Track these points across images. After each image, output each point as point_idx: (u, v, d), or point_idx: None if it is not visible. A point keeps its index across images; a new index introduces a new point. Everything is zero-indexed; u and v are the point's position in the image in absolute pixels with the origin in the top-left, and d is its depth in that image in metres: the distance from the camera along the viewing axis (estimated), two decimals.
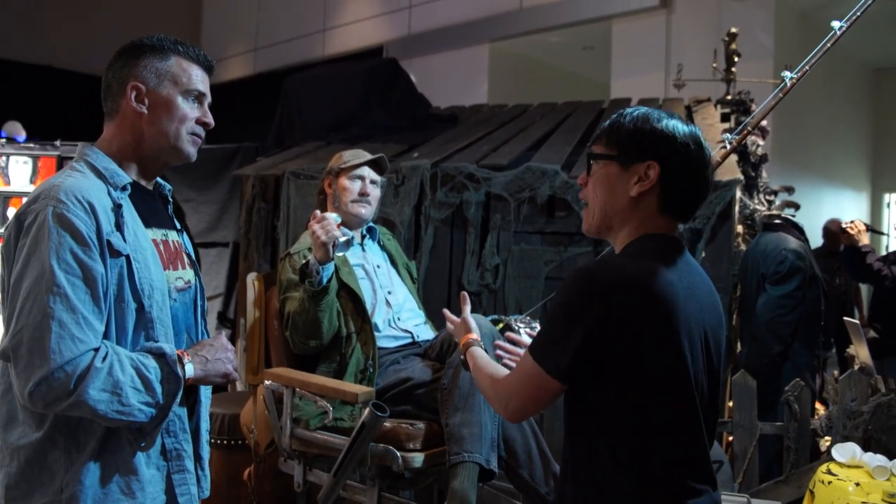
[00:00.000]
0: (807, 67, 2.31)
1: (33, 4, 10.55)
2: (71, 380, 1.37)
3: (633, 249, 1.46)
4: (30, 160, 6.64)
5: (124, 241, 1.50)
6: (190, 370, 1.54)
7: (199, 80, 1.65)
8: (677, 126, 1.47)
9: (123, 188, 1.56)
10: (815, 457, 3.02)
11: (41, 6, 10.57)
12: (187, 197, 5.23)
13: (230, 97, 10.32)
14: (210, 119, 1.67)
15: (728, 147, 2.40)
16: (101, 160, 1.57)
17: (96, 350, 1.42)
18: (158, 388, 1.47)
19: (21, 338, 1.39)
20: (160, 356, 1.50)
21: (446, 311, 2.18)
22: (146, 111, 1.59)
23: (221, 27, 12.05)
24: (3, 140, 6.87)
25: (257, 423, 2.63)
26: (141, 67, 1.59)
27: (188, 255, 1.74)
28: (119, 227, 1.51)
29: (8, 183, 6.61)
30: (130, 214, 1.55)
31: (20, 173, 6.61)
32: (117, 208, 1.52)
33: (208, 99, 1.68)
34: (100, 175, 1.55)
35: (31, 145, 6.76)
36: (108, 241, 1.47)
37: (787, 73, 2.33)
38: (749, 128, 2.48)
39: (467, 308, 2.07)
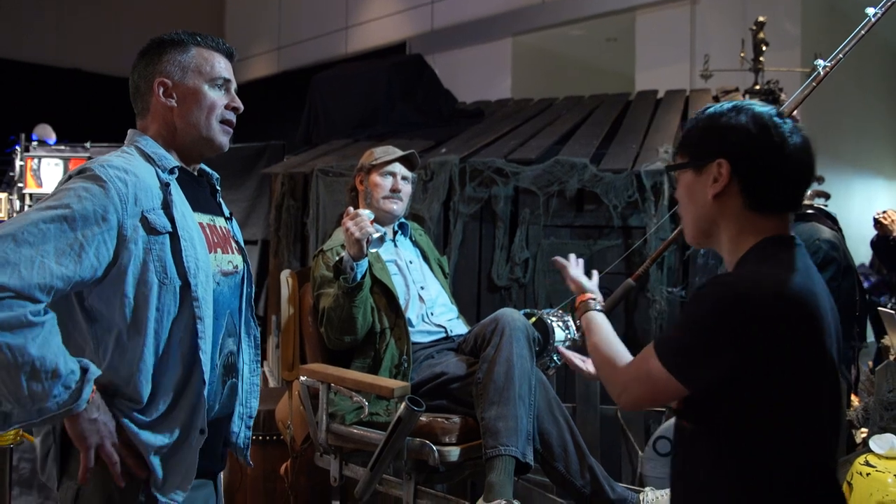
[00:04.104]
0: (840, 56, 2.29)
1: (62, 10, 10.69)
2: None
3: (756, 257, 1.37)
4: (61, 162, 6.76)
5: (170, 219, 1.51)
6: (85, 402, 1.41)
7: (223, 67, 1.67)
8: (741, 114, 1.40)
9: (171, 171, 1.58)
10: (852, 449, 2.99)
11: (70, 12, 10.70)
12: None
13: (255, 96, 10.38)
14: (239, 103, 1.69)
15: None
16: (150, 145, 1.60)
17: (33, 302, 1.34)
18: (57, 388, 1.37)
19: None
20: (83, 369, 1.42)
21: (558, 259, 2.00)
22: (176, 104, 1.61)
23: (245, 27, 12.13)
24: (35, 143, 6.99)
25: (293, 419, 2.66)
26: (165, 63, 1.62)
27: (237, 242, 1.76)
28: (166, 205, 1.52)
29: (40, 185, 6.73)
30: (178, 196, 1.57)
31: (52, 175, 6.72)
32: (165, 187, 1.54)
33: (234, 84, 1.70)
34: (148, 158, 1.58)
35: (62, 148, 6.88)
36: (146, 217, 1.48)
37: (819, 62, 2.31)
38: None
39: (573, 268, 1.95)
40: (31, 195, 6.74)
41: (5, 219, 7.30)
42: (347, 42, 10.26)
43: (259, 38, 11.69)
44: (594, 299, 1.81)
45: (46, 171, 6.72)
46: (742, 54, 4.57)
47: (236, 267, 1.70)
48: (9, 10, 10.23)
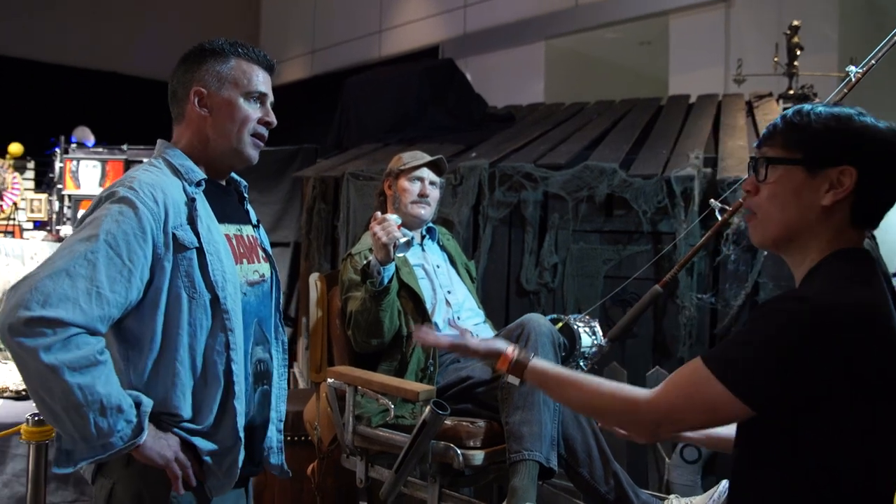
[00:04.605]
0: (873, 62, 2.27)
1: (100, 15, 10.90)
2: (48, 338, 1.34)
3: (832, 271, 1.30)
4: (98, 164, 6.90)
5: (196, 234, 1.54)
6: (146, 434, 1.48)
7: (260, 81, 1.68)
8: (875, 124, 1.31)
9: (198, 184, 1.61)
10: None
11: (107, 16, 10.91)
12: (249, 198, 5.35)
13: (289, 99, 10.47)
14: (272, 118, 1.70)
15: None
16: (178, 157, 1.63)
17: (95, 334, 1.40)
18: (120, 423, 1.43)
19: (33, 276, 1.39)
20: (137, 403, 1.47)
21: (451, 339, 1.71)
22: (209, 114, 1.64)
23: (280, 30, 12.26)
24: (74, 145, 7.14)
25: (320, 420, 2.69)
26: (203, 72, 1.64)
27: (264, 249, 1.78)
28: (192, 220, 1.55)
29: (78, 186, 6.88)
30: (204, 209, 1.60)
31: (90, 177, 6.87)
32: (191, 202, 1.57)
33: (270, 98, 1.71)
34: (176, 171, 1.60)
35: (100, 150, 7.02)
36: (174, 234, 1.51)
37: (851, 68, 2.29)
38: None
39: (470, 339, 1.69)
40: (69, 196, 6.89)
41: (45, 219, 7.47)
42: (381, 46, 10.32)
43: (293, 42, 11.81)
44: (517, 350, 1.57)
45: (85, 172, 6.87)
46: (776, 59, 4.51)
47: (263, 276, 1.73)
48: (49, 15, 10.46)
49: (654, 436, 1.40)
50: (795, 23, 4.47)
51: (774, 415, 1.27)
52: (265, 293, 1.74)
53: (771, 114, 4.24)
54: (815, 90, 4.50)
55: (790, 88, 4.44)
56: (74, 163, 6.92)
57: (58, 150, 7.03)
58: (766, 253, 3.18)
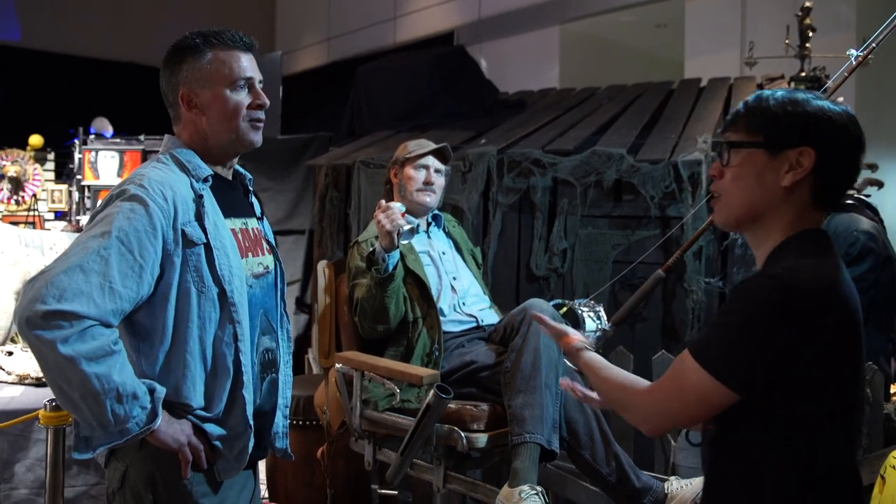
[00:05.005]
0: (874, 45, 2.26)
1: (118, 5, 10.99)
2: (64, 330, 1.39)
3: (797, 249, 1.34)
4: (117, 154, 6.99)
5: (203, 230, 1.59)
6: (160, 420, 1.54)
7: (243, 66, 1.68)
8: (831, 107, 1.36)
9: (205, 180, 1.65)
10: (890, 442, 2.96)
11: (124, 6, 11.00)
12: (265, 186, 5.41)
13: (305, 87, 10.55)
14: (264, 99, 1.70)
15: None
16: (185, 154, 1.67)
17: (108, 326, 1.46)
18: (136, 409, 1.48)
19: (49, 271, 1.44)
20: (150, 390, 1.53)
21: (541, 317, 1.87)
22: (202, 113, 1.67)
23: (296, 18, 12.28)
24: (92, 136, 7.23)
25: (329, 405, 2.75)
26: (184, 73, 1.66)
27: (268, 241, 1.83)
28: (200, 217, 1.60)
29: (97, 176, 6.97)
30: (211, 205, 1.64)
31: (108, 167, 6.95)
32: (199, 199, 1.61)
33: (258, 78, 1.70)
34: (183, 168, 1.64)
35: (118, 140, 7.10)
36: (183, 231, 1.56)
37: (852, 52, 2.29)
38: None
39: (550, 321, 1.81)
40: (88, 187, 6.99)
41: (65, 209, 7.59)
42: (396, 32, 10.32)
43: (309, 29, 11.83)
44: (584, 342, 1.69)
45: (103, 163, 6.95)
46: (787, 41, 4.47)
47: (267, 267, 1.78)
48: (67, 7, 10.57)
49: (650, 425, 1.42)
50: (808, 3, 4.43)
51: (756, 396, 1.30)
52: (270, 284, 1.79)
53: None
54: (828, 72, 4.47)
55: (802, 71, 4.40)
56: (93, 154, 7.00)
57: (77, 141, 7.12)
58: None
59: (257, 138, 1.72)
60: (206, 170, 1.67)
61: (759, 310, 1.27)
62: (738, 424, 1.34)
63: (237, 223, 1.73)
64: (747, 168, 1.39)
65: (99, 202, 1.62)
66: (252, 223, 1.79)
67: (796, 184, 1.35)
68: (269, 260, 1.80)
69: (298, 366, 5.20)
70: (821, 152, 1.34)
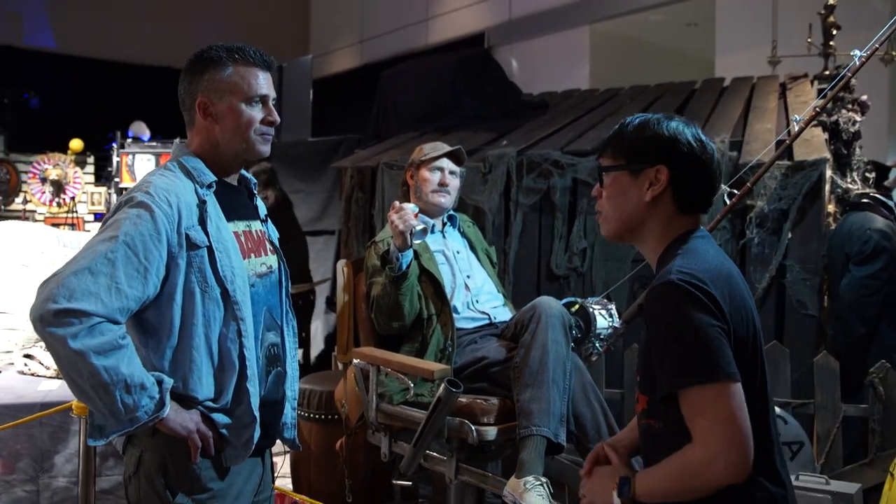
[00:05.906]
0: (877, 45, 2.29)
1: (154, 10, 11.24)
2: (74, 326, 1.49)
3: (675, 253, 1.50)
4: (153, 157, 7.17)
5: (206, 234, 1.69)
6: (168, 408, 1.63)
7: (260, 83, 1.78)
8: (679, 127, 1.53)
9: (209, 186, 1.75)
10: None
11: (161, 11, 11.24)
12: (296, 188, 5.52)
13: (338, 89, 10.68)
14: (275, 117, 1.81)
15: (796, 129, 2.40)
16: (191, 161, 1.77)
17: (117, 324, 1.56)
18: (144, 399, 1.58)
19: (60, 273, 1.55)
20: (158, 381, 1.62)
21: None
22: (215, 123, 1.77)
23: (329, 21, 12.44)
24: (130, 140, 7.44)
25: (347, 399, 2.84)
26: (204, 83, 1.76)
27: (271, 242, 1.93)
28: (203, 221, 1.70)
29: (134, 179, 7.16)
30: (214, 209, 1.74)
31: (145, 170, 7.13)
32: (202, 204, 1.71)
33: (272, 96, 1.81)
34: (189, 174, 1.74)
35: (154, 144, 7.30)
36: (187, 235, 1.66)
37: (856, 52, 2.32)
38: (812, 114, 2.46)
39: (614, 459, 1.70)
40: (126, 189, 7.18)
41: (104, 212, 7.82)
42: (428, 34, 10.41)
43: (342, 32, 11.98)
44: (629, 471, 1.57)
45: (140, 165, 7.15)
46: (808, 40, 4.46)
47: (270, 267, 1.88)
48: (105, 13, 10.82)
49: (733, 465, 1.34)
50: (831, 1, 4.41)
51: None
52: (273, 283, 1.89)
53: (803, 95, 4.22)
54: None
55: (826, 69, 4.39)
56: (130, 157, 7.20)
57: (115, 145, 7.32)
58: (790, 236, 3.21)
59: (265, 150, 1.83)
60: (210, 176, 1.76)
61: (678, 309, 1.39)
62: (680, 418, 1.40)
63: (240, 226, 1.83)
64: (617, 188, 1.58)
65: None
66: (255, 225, 1.89)
67: (657, 197, 1.53)
68: (272, 260, 1.90)
69: (326, 362, 5.32)
70: (673, 168, 1.51)
